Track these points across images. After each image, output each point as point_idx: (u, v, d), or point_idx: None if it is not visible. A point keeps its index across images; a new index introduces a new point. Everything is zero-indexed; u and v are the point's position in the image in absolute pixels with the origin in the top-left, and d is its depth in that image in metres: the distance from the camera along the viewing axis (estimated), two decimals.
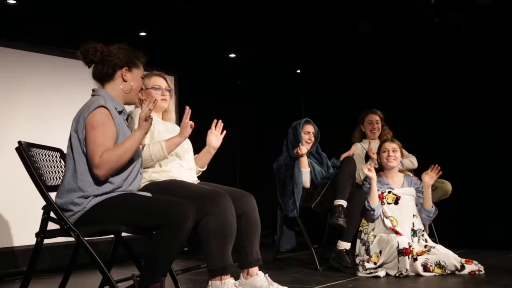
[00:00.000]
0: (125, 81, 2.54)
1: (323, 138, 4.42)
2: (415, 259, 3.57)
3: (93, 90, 2.55)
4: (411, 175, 4.19)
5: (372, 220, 3.90)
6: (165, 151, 2.80)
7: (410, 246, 3.58)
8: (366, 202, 3.87)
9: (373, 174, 3.87)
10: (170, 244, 2.30)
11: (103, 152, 2.33)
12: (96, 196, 2.38)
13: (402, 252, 3.55)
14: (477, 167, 5.11)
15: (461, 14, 4.89)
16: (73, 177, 2.38)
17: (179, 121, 3.09)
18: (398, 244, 3.58)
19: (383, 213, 3.88)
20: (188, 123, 2.83)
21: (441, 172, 3.90)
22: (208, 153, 3.12)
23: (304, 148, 4.13)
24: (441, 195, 4.41)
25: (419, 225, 3.91)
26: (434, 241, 4.06)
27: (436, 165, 3.89)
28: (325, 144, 4.46)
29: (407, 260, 3.54)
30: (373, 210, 3.85)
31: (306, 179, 4.15)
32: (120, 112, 2.53)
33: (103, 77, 2.54)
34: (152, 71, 3.08)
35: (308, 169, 4.15)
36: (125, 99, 2.58)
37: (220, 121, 3.08)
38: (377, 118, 4.66)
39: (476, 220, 5.08)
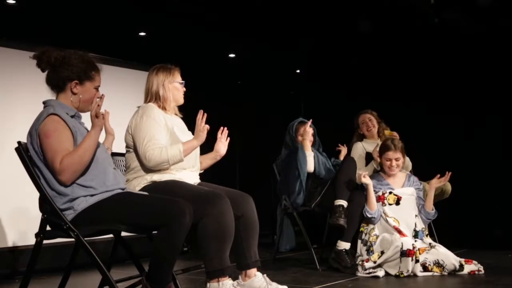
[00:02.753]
0: (74, 93, 2.50)
1: (323, 138, 4.42)
2: (417, 261, 3.57)
3: (44, 103, 2.52)
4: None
5: (373, 223, 3.90)
6: (182, 155, 2.81)
7: (414, 248, 3.58)
8: (364, 209, 3.87)
9: (368, 181, 3.86)
10: (171, 241, 2.32)
11: (62, 157, 2.32)
12: (85, 196, 2.38)
13: (405, 253, 3.55)
14: (476, 167, 5.10)
15: (461, 14, 4.89)
16: (47, 185, 2.38)
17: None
18: (402, 245, 3.58)
19: (384, 214, 3.88)
20: (204, 127, 2.86)
21: (448, 179, 3.98)
22: (213, 159, 3.14)
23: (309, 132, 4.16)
24: (441, 195, 4.41)
25: (421, 225, 3.91)
26: (434, 241, 4.06)
27: (450, 173, 3.95)
28: (325, 144, 4.46)
29: (409, 262, 3.54)
30: (373, 217, 3.86)
31: (310, 163, 4.11)
32: (72, 116, 2.49)
33: (54, 86, 2.52)
34: (167, 64, 3.08)
35: (312, 153, 4.13)
36: (77, 109, 2.54)
37: (225, 128, 3.09)
38: (368, 115, 4.64)
39: (476, 220, 5.08)
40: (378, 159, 4.20)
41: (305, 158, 4.09)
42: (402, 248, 3.57)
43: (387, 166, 3.98)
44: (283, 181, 4.27)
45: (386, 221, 3.85)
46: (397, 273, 3.57)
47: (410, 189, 3.99)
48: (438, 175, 3.98)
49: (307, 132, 4.16)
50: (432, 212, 3.95)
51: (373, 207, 3.86)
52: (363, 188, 4.07)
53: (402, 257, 3.56)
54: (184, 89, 3.10)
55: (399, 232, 3.76)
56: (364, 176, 3.86)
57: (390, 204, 3.91)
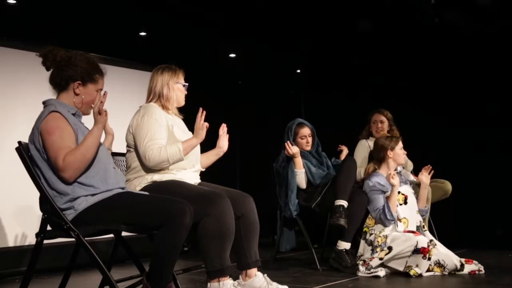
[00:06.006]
0: (76, 94, 2.50)
1: (323, 138, 4.42)
2: (429, 258, 3.56)
3: (43, 103, 2.52)
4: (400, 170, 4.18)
5: (386, 225, 3.81)
6: (182, 154, 2.80)
7: (428, 246, 3.55)
8: (386, 211, 3.76)
9: (396, 182, 3.82)
10: (171, 241, 2.32)
11: (65, 154, 2.32)
12: (86, 196, 2.38)
13: (419, 251, 3.53)
14: (477, 167, 5.11)
15: (461, 14, 4.89)
16: (47, 185, 2.38)
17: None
18: (417, 244, 3.55)
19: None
20: (203, 125, 2.87)
21: (433, 171, 4.04)
22: (216, 156, 3.17)
23: (295, 148, 4.12)
24: (441, 195, 4.41)
25: (420, 220, 3.95)
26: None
27: (429, 165, 4.02)
28: (325, 144, 4.46)
29: (420, 259, 3.53)
30: (393, 220, 3.79)
31: (301, 180, 4.13)
32: (73, 114, 2.49)
33: (57, 85, 2.52)
34: (171, 65, 3.09)
35: (302, 170, 4.13)
36: (78, 109, 2.54)
37: (225, 125, 3.15)
38: (382, 117, 4.60)
39: (476, 220, 5.08)
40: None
41: (294, 177, 4.10)
42: (416, 246, 3.55)
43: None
44: (278, 189, 4.29)
45: (397, 225, 3.83)
46: (404, 269, 3.56)
47: (408, 186, 4.01)
48: (426, 167, 4.04)
49: (296, 152, 4.13)
50: (426, 209, 4.02)
51: (395, 209, 3.83)
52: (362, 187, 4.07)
53: (414, 254, 3.55)
54: (186, 92, 3.11)
55: (412, 232, 3.74)
56: (392, 177, 3.84)
57: (400, 204, 3.89)
